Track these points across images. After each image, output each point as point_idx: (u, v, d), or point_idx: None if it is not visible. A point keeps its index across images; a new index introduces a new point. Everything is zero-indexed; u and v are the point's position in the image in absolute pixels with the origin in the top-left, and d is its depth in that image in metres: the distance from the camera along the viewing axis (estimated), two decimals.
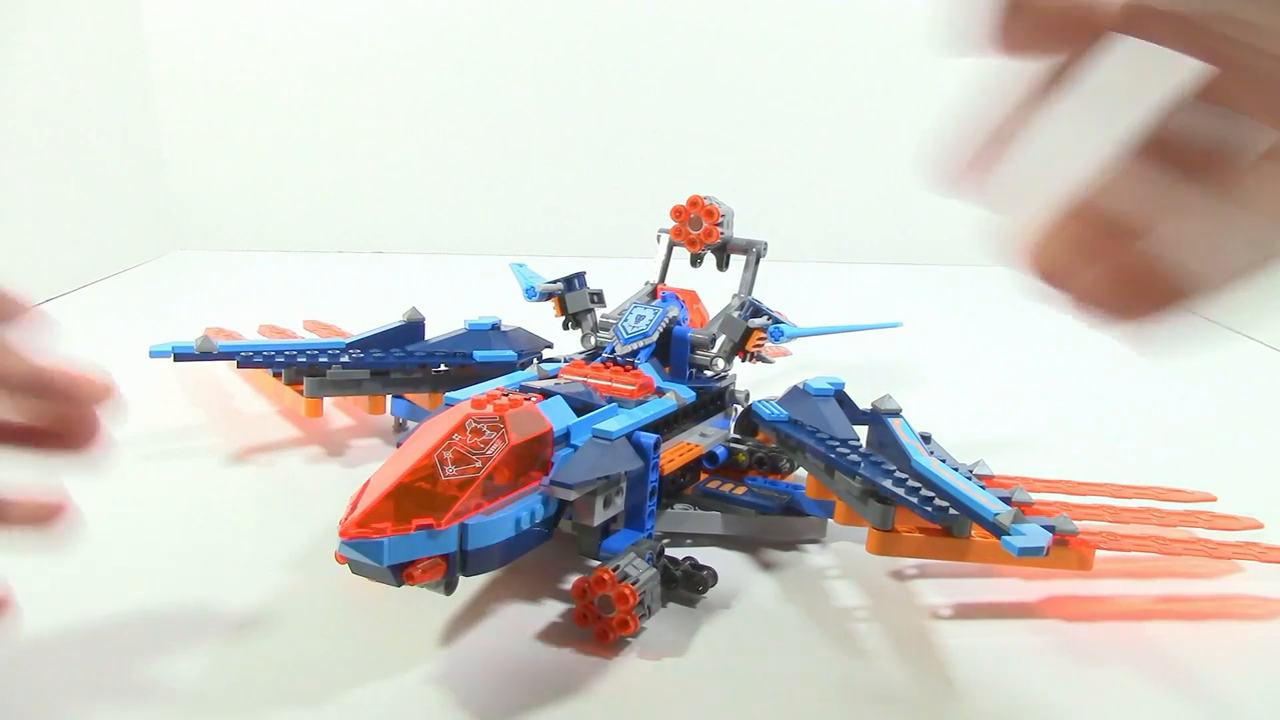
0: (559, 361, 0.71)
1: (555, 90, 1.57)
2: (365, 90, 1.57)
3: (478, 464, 0.46)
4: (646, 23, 1.55)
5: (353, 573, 0.44)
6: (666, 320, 0.71)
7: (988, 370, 1.06)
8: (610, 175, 1.60)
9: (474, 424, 0.48)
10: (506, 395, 0.52)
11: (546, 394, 0.57)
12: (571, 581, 0.56)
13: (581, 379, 0.64)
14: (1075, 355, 1.12)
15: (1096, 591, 0.58)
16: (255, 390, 0.89)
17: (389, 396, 0.78)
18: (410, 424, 0.80)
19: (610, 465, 0.52)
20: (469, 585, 0.55)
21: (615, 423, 0.55)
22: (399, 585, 0.43)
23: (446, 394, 0.58)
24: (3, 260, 1.17)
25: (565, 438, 0.53)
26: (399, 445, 0.52)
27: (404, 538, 0.42)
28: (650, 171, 1.58)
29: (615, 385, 0.65)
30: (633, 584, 0.49)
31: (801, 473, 0.66)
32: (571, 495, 0.49)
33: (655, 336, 0.70)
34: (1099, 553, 0.53)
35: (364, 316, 0.90)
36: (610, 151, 1.60)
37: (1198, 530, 0.61)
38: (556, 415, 0.53)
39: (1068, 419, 0.90)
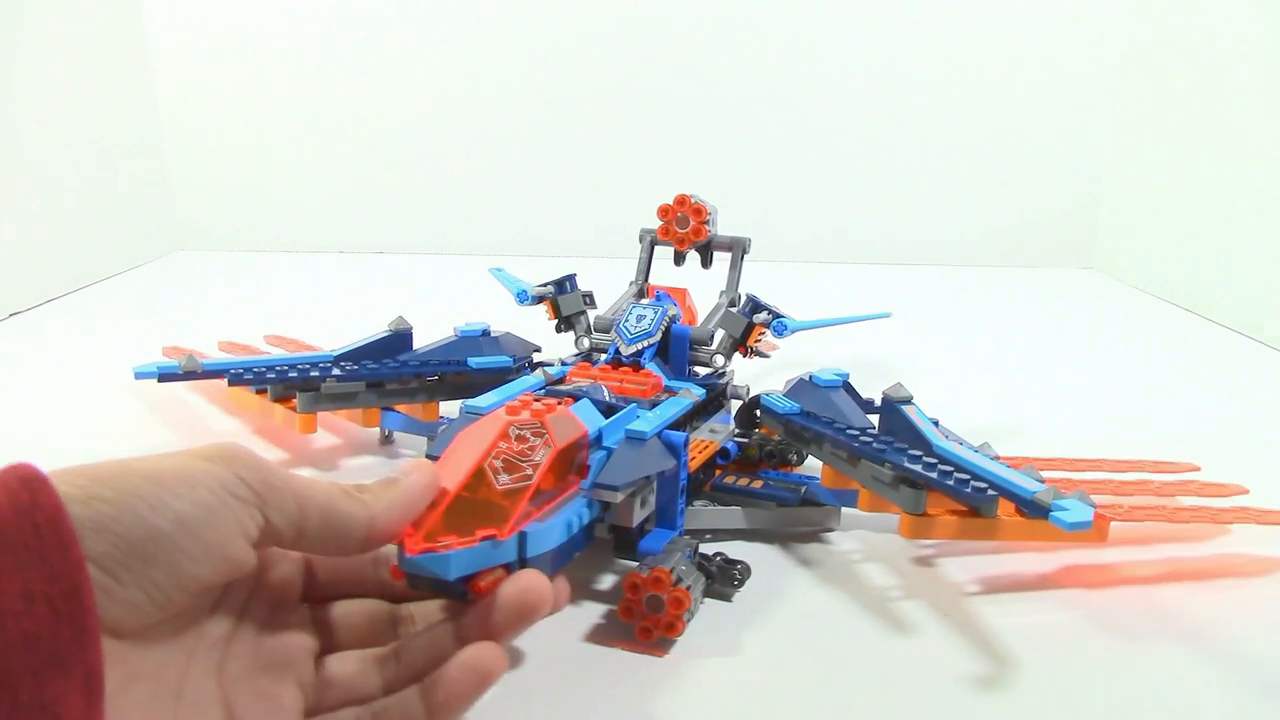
0: (559, 365, 0.71)
1: (554, 91, 1.57)
2: (366, 91, 1.55)
3: (528, 470, 0.46)
4: (642, 25, 1.55)
5: (411, 588, 0.43)
6: (667, 319, 0.71)
7: (972, 364, 1.08)
8: (608, 176, 1.61)
9: (517, 430, 0.47)
10: (539, 400, 0.52)
11: (574, 397, 0.57)
12: (605, 582, 0.56)
13: (592, 381, 0.64)
14: (1055, 347, 1.17)
15: (1105, 560, 0.60)
16: (238, 408, 0.86)
17: (382, 409, 0.76)
18: (396, 436, 0.79)
19: (649, 465, 0.52)
20: None
21: (646, 423, 0.55)
22: (464, 598, 0.43)
23: (465, 402, 0.58)
24: (3, 260, 1.15)
25: (598, 440, 0.53)
26: (429, 457, 0.51)
27: (470, 549, 0.42)
28: (647, 172, 1.59)
29: (626, 385, 0.65)
30: (686, 588, 0.49)
31: (811, 463, 0.67)
32: (617, 497, 0.49)
33: (659, 335, 0.70)
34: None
35: (365, 317, 0.90)
36: (608, 152, 1.60)
37: (1191, 498, 0.64)
38: (588, 418, 0.53)
39: (1052, 407, 0.93)
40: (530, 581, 0.41)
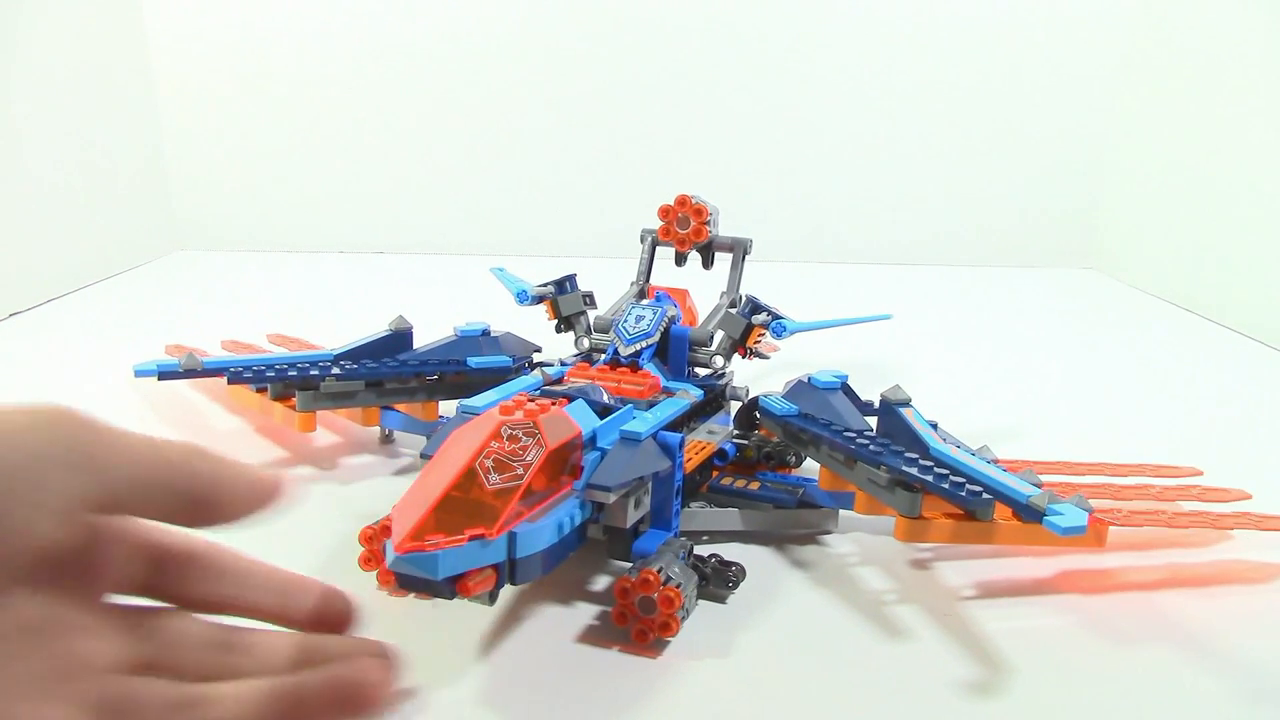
0: (558, 365, 0.71)
1: (554, 91, 1.57)
2: (366, 91, 1.56)
3: (519, 471, 0.46)
4: (642, 25, 1.55)
5: (400, 586, 0.43)
6: (666, 320, 0.71)
7: (972, 365, 1.08)
8: (608, 176, 1.60)
9: (509, 430, 0.47)
10: (533, 400, 0.52)
11: (569, 397, 0.56)
12: (599, 583, 0.56)
13: (590, 382, 0.64)
14: (1055, 347, 1.16)
15: (1104, 565, 0.60)
16: (239, 406, 0.86)
17: (382, 408, 0.76)
18: (396, 435, 0.79)
19: (643, 466, 0.52)
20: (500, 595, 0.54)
21: (641, 424, 0.55)
22: (452, 598, 0.43)
23: (461, 402, 0.57)
24: (3, 260, 1.16)
25: (592, 441, 0.53)
26: (423, 456, 0.51)
27: (458, 549, 0.42)
28: (647, 172, 1.59)
29: (624, 386, 0.65)
30: (676, 586, 0.49)
31: (809, 465, 0.67)
32: (610, 498, 0.49)
33: (658, 336, 0.70)
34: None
35: (365, 317, 0.90)
36: (608, 152, 1.60)
37: (1192, 503, 0.63)
38: (582, 419, 0.53)
39: (1052, 409, 0.93)
40: (363, 675, 0.35)
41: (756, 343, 0.73)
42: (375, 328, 0.78)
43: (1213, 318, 1.30)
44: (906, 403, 0.62)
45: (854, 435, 0.58)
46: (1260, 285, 1.24)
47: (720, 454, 0.66)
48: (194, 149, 1.56)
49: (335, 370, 0.72)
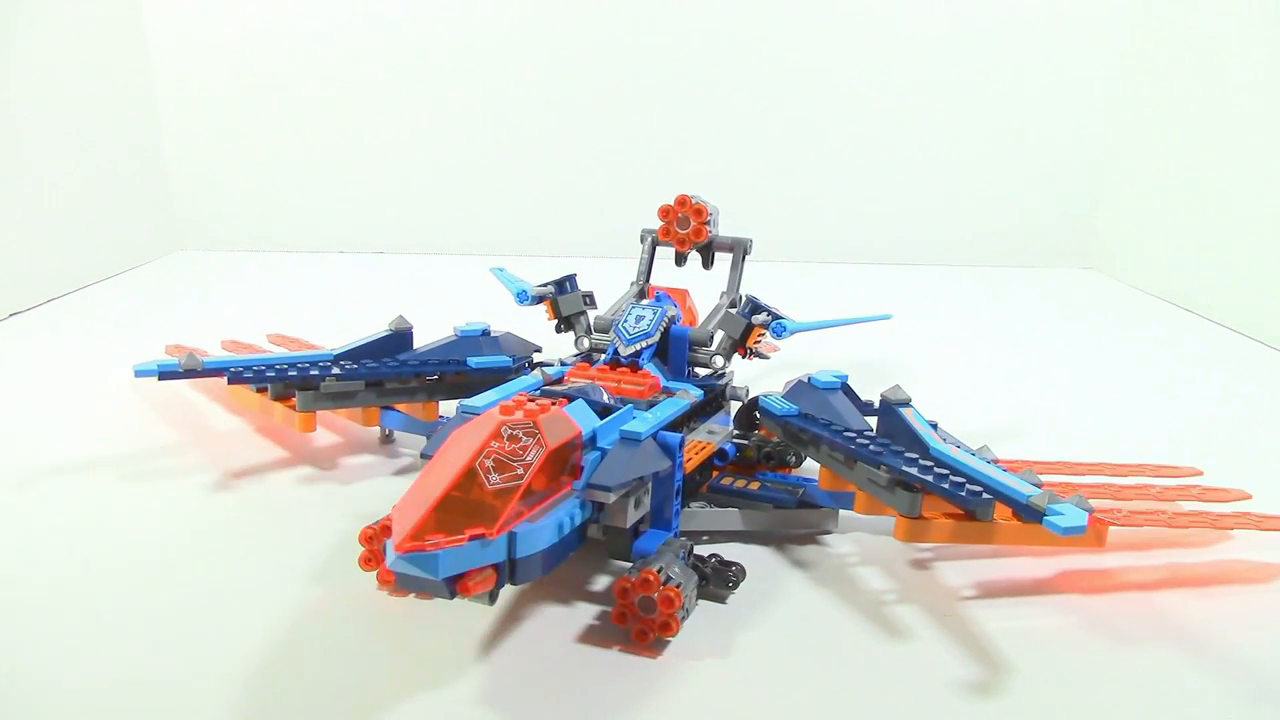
0: (558, 365, 0.71)
1: (554, 91, 1.58)
2: (365, 92, 1.56)
3: (519, 470, 0.46)
4: (642, 25, 1.55)
5: (400, 586, 0.43)
6: (666, 320, 0.71)
7: (972, 365, 1.08)
8: (608, 176, 1.60)
9: (509, 430, 0.47)
10: (533, 400, 0.52)
11: (569, 397, 0.56)
12: (599, 583, 0.56)
13: (590, 382, 0.64)
14: (1055, 347, 1.16)
15: (1104, 565, 0.60)
16: (240, 406, 0.86)
17: (382, 408, 0.76)
18: (396, 435, 0.79)
19: (643, 466, 0.52)
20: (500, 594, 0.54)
21: (641, 424, 0.55)
22: (452, 598, 0.43)
23: (461, 401, 0.57)
24: (3, 260, 1.16)
25: (592, 441, 0.53)
26: (423, 456, 0.51)
27: (458, 549, 0.42)
28: (647, 172, 1.59)
29: (624, 386, 0.65)
30: (676, 586, 0.49)
31: (809, 465, 0.67)
32: (610, 498, 0.49)
33: (658, 336, 0.70)
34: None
35: (365, 317, 0.90)
36: (608, 152, 1.60)
37: (1192, 503, 0.63)
38: (582, 419, 0.53)
39: (1052, 409, 0.92)
40: None
41: (756, 343, 0.73)
42: (375, 328, 0.78)
43: (1213, 318, 1.30)
44: (906, 403, 0.62)
45: (854, 435, 0.58)
46: (1260, 285, 1.24)
47: (720, 454, 0.66)
48: (194, 149, 1.56)
49: (335, 370, 0.72)
